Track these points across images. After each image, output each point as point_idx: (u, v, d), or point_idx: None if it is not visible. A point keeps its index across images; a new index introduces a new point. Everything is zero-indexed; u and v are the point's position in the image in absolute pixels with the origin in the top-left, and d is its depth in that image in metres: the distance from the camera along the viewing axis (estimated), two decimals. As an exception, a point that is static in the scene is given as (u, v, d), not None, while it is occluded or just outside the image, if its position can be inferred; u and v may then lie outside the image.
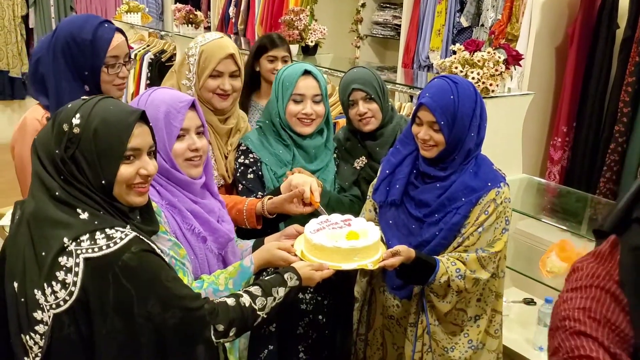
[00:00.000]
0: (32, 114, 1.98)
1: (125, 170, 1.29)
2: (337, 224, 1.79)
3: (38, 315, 1.23)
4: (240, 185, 2.13)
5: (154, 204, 1.50)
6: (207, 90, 2.11)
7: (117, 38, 2.01)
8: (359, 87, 2.20)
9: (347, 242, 1.68)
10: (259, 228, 1.96)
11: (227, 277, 1.60)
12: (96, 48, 1.95)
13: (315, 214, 1.89)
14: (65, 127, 1.26)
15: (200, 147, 1.63)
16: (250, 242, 1.87)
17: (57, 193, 1.25)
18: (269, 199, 1.95)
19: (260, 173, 2.11)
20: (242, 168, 2.13)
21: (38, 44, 2.07)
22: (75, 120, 1.25)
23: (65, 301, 1.21)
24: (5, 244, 1.35)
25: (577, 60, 3.70)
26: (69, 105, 1.30)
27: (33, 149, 1.30)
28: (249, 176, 2.11)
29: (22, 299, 1.25)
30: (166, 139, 1.57)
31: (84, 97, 1.33)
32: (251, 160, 2.12)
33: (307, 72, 2.12)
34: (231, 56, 2.12)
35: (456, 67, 2.58)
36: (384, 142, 2.26)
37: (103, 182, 1.27)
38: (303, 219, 1.86)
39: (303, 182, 1.91)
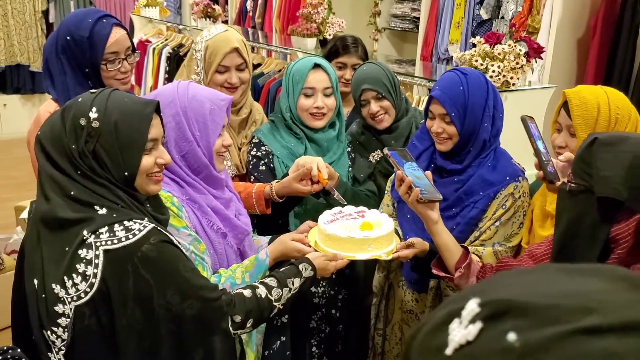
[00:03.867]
0: (46, 107, 2.00)
1: (146, 160, 1.31)
2: (351, 215, 1.79)
3: (59, 308, 1.24)
4: (252, 177, 2.14)
5: (175, 200, 1.51)
6: (215, 84, 2.11)
7: (116, 33, 1.97)
8: (369, 87, 2.19)
9: (361, 233, 1.68)
10: (269, 213, 1.97)
11: (244, 271, 1.61)
12: (94, 45, 1.94)
13: (329, 206, 1.88)
14: (83, 121, 1.25)
15: (231, 143, 1.67)
16: (266, 239, 1.88)
17: (72, 193, 1.25)
18: (277, 182, 1.96)
19: (272, 165, 2.12)
20: (254, 160, 2.14)
21: (47, 40, 2.08)
22: (93, 114, 1.25)
23: (86, 293, 1.22)
24: (24, 242, 1.36)
25: (600, 52, 3.64)
26: (79, 100, 1.29)
27: (38, 146, 1.28)
28: (260, 168, 2.12)
29: (43, 295, 1.26)
30: (210, 134, 1.59)
31: (92, 90, 1.32)
32: (263, 152, 2.13)
33: (317, 66, 2.11)
34: (236, 50, 2.11)
35: (476, 60, 2.55)
36: (399, 135, 2.25)
37: (126, 173, 1.29)
38: (316, 214, 1.86)
39: (310, 160, 1.91)
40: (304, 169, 1.89)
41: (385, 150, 1.66)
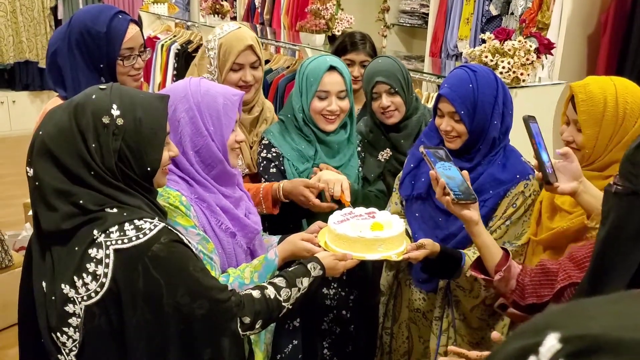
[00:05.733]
0: (52, 105, 1.99)
1: (165, 154, 1.33)
2: (362, 215, 1.78)
3: (70, 308, 1.23)
4: (263, 179, 2.13)
5: (183, 198, 1.51)
6: (229, 83, 2.10)
7: (132, 29, 1.99)
8: (382, 80, 2.16)
9: (371, 233, 1.67)
10: (275, 213, 1.96)
11: (253, 271, 1.60)
12: (111, 40, 1.95)
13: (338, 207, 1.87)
14: (106, 119, 1.24)
15: (243, 138, 1.67)
16: (275, 238, 1.87)
17: (81, 202, 1.23)
18: (289, 181, 1.97)
19: (282, 167, 2.10)
20: (264, 162, 2.12)
21: (54, 35, 2.07)
22: (115, 112, 1.24)
23: (96, 292, 1.22)
24: (30, 244, 1.34)
25: (610, 48, 3.60)
26: (92, 97, 1.26)
27: (41, 148, 1.24)
28: (271, 170, 2.10)
29: (53, 297, 1.25)
30: (224, 129, 1.59)
31: (100, 86, 1.30)
32: (273, 154, 2.11)
33: (332, 68, 2.07)
34: (250, 47, 2.11)
35: (486, 56, 2.53)
36: (408, 134, 2.23)
37: (149, 169, 1.29)
38: (325, 216, 1.84)
39: (335, 179, 1.90)
40: (319, 184, 1.90)
41: (421, 149, 1.62)
